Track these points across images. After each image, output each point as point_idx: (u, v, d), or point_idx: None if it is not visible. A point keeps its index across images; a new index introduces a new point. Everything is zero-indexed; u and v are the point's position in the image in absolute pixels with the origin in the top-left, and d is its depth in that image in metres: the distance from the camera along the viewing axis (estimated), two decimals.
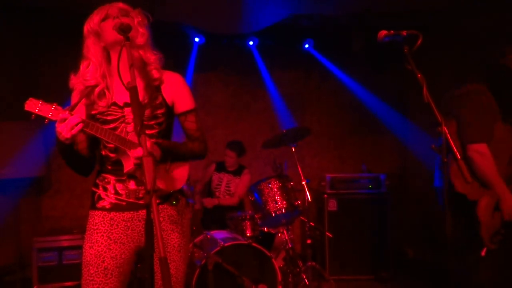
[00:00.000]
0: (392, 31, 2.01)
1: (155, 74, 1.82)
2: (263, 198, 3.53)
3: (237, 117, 5.41)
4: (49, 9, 4.12)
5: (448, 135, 1.90)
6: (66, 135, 1.56)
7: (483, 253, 2.47)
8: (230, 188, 4.52)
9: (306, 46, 5.32)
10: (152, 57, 1.82)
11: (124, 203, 1.78)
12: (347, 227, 4.54)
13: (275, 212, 3.46)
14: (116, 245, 1.76)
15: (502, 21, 3.72)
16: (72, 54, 1.87)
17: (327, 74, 5.45)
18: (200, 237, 3.57)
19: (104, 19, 1.76)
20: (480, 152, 2.45)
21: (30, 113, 1.57)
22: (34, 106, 1.56)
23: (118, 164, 1.77)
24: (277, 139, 3.74)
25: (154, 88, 1.83)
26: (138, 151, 1.60)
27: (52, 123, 1.60)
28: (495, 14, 3.82)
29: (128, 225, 1.79)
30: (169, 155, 1.80)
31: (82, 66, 1.80)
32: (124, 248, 1.77)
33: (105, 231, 1.76)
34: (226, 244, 3.18)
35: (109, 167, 1.81)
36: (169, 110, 1.87)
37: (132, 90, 1.47)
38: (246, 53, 5.29)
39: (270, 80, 5.38)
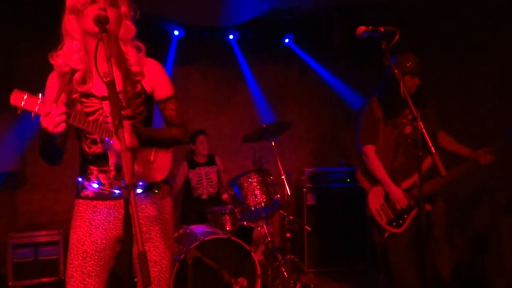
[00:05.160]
0: (370, 27, 2.04)
1: (134, 69, 1.77)
2: (242, 192, 3.53)
3: (217, 110, 5.38)
4: None
5: (423, 130, 1.94)
6: (53, 130, 1.49)
7: (385, 235, 2.94)
8: (212, 179, 4.48)
9: (286, 40, 5.33)
10: (133, 53, 1.76)
11: (107, 192, 1.79)
12: (326, 220, 4.60)
13: (254, 206, 3.47)
14: (97, 230, 1.77)
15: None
16: (48, 46, 1.78)
17: (307, 68, 5.48)
18: (180, 232, 3.56)
19: (91, 2, 1.64)
20: (367, 153, 2.96)
21: (15, 108, 1.48)
22: (20, 99, 1.47)
23: (100, 156, 1.76)
24: (257, 133, 3.73)
25: (133, 78, 1.80)
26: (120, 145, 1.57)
27: (29, 115, 1.51)
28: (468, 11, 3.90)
29: (111, 212, 1.80)
30: (147, 140, 1.77)
31: (68, 44, 1.70)
32: (106, 234, 1.78)
33: (87, 217, 1.78)
34: (205, 238, 3.18)
35: (90, 158, 1.80)
36: (148, 98, 1.84)
37: (110, 83, 1.44)
38: (226, 46, 5.26)
39: (250, 74, 5.38)
